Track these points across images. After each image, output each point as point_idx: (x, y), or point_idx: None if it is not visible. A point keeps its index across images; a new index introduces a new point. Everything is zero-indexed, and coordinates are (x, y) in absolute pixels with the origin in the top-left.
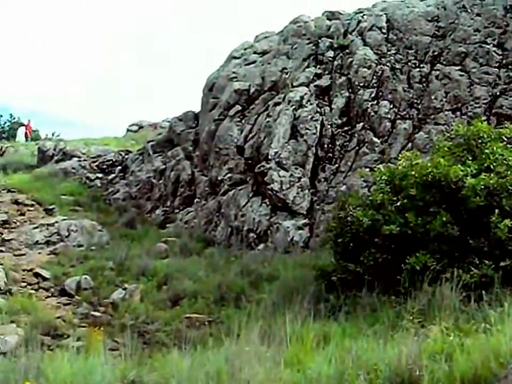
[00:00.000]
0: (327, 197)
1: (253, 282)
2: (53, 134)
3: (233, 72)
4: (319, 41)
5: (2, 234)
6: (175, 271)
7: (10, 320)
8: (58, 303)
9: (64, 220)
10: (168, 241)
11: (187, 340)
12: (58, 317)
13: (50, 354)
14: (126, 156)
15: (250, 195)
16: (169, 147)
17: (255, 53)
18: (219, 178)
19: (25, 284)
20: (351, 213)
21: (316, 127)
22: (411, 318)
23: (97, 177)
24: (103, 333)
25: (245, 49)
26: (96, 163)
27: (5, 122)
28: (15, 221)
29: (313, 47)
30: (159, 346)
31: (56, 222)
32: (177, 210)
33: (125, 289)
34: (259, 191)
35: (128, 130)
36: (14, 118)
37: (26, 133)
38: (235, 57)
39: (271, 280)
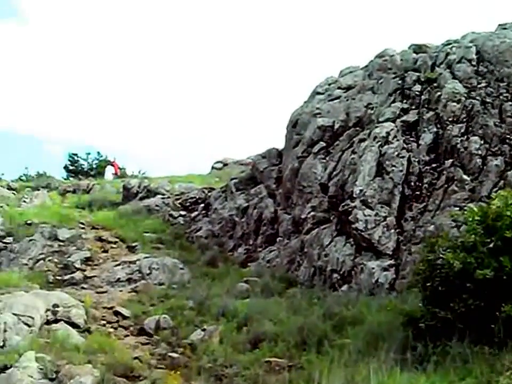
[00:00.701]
0: (414, 237)
1: (336, 326)
2: (139, 172)
3: (317, 108)
4: (406, 75)
5: (85, 271)
6: (256, 312)
7: (88, 360)
8: (136, 342)
9: (146, 257)
10: (249, 281)
11: None
12: (135, 358)
13: None
14: (209, 193)
15: (334, 234)
16: (252, 184)
17: (339, 88)
18: (302, 216)
19: (104, 322)
20: (440, 255)
21: (403, 164)
22: (508, 373)
23: (180, 215)
24: (179, 376)
25: (329, 84)
26: (180, 200)
27: (93, 160)
28: (98, 258)
29: (400, 81)
30: None
31: (138, 259)
32: (260, 249)
33: (204, 329)
34: (343, 230)
35: (212, 167)
36: (101, 156)
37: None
38: (319, 93)
39: (354, 324)
